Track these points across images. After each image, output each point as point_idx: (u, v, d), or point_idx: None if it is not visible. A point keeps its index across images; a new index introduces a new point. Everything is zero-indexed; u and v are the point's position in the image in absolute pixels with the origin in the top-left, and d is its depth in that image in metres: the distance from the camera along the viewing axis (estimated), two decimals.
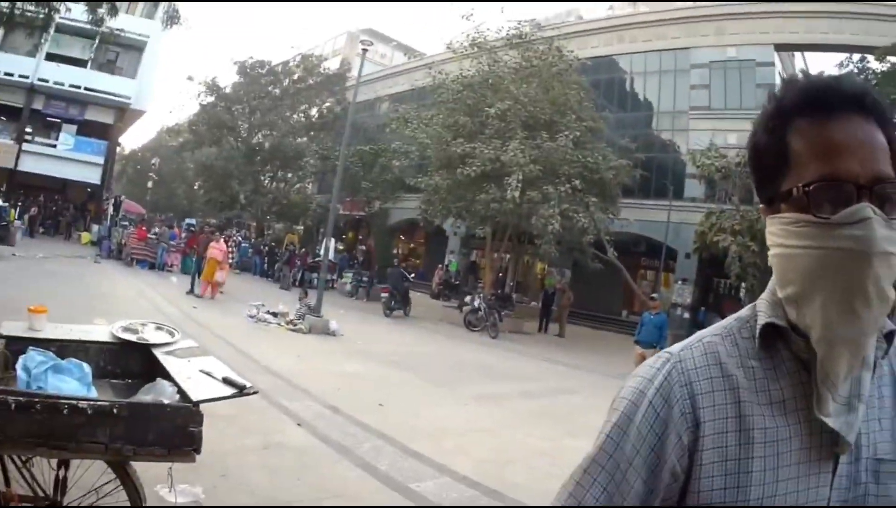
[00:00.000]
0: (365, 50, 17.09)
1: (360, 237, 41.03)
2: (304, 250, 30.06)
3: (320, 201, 34.90)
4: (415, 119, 21.98)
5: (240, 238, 34.03)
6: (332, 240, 18.97)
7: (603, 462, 0.90)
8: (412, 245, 41.48)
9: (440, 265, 32.02)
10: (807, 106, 0.89)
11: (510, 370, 12.62)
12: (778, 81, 27.57)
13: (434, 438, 6.71)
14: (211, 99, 36.70)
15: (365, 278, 26.69)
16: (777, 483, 0.85)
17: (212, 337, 10.49)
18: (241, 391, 2.87)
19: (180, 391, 2.81)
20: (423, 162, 22.99)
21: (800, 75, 0.93)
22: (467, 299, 20.52)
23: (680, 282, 26.66)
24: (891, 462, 0.89)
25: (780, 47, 26.63)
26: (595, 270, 22.13)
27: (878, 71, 16.14)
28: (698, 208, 24.90)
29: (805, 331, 0.88)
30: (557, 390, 11.06)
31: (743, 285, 24.63)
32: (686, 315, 25.66)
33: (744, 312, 0.99)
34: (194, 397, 2.71)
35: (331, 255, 19.75)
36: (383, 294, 20.90)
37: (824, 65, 49.95)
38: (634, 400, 0.91)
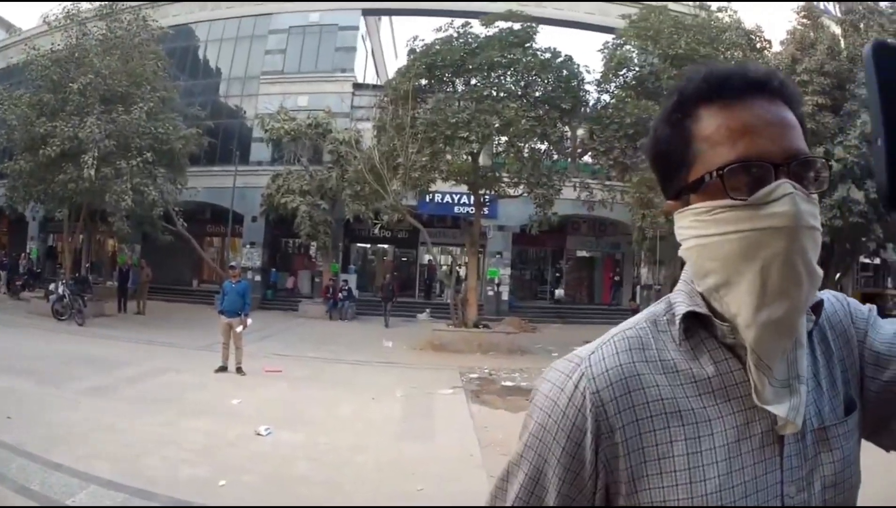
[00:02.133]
0: None
1: None
2: None
3: None
4: (6, 100, 18.84)
5: None
6: None
7: (524, 470, 0.90)
8: None
9: (21, 253, 27.52)
10: (711, 93, 0.87)
11: (107, 357, 11.89)
12: (360, 44, 29.76)
13: (69, 444, 6.38)
14: None
15: None
16: (731, 475, 0.83)
17: None
18: None
19: None
20: (10, 145, 20.01)
21: (701, 67, 0.92)
22: (51, 286, 18.82)
23: (248, 246, 27.18)
24: (837, 424, 0.89)
25: (367, 12, 28.48)
26: (165, 242, 21.83)
27: (482, 36, 17.28)
28: (265, 172, 25.58)
29: (731, 319, 0.85)
30: (156, 370, 10.90)
31: (314, 243, 26.31)
32: (258, 278, 26.21)
33: (656, 306, 0.95)
34: None
35: None
36: None
37: (419, 30, 54.77)
38: (548, 410, 0.89)
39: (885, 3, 19.64)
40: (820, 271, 0.83)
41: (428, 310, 23.94)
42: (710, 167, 0.85)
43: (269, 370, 11.27)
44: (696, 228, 0.87)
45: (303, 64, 27.85)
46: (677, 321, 0.89)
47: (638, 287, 28.31)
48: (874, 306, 1.04)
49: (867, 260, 30.65)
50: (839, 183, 16.57)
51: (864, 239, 19.37)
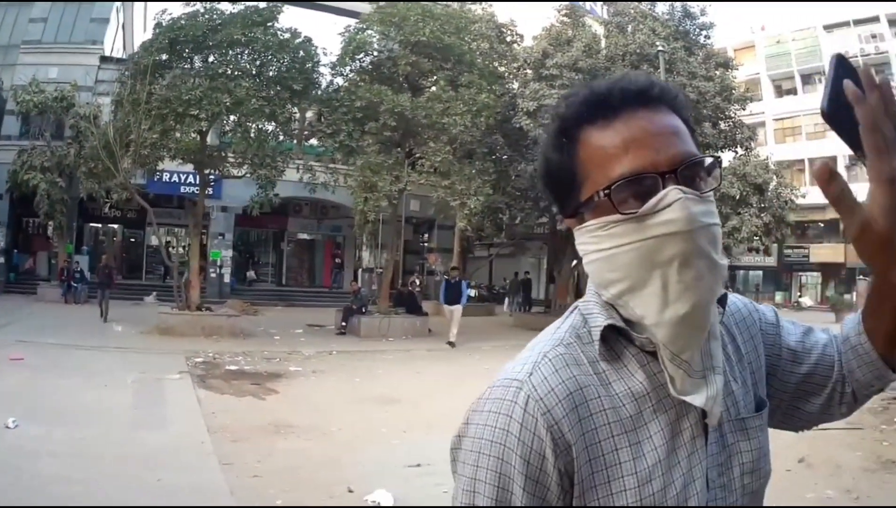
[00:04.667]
0: None
1: None
2: None
3: None
4: None
5: None
6: None
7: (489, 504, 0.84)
8: None
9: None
10: (590, 114, 0.88)
11: None
12: (113, 16, 27.98)
13: None
14: None
15: None
16: (671, 470, 0.85)
17: None
18: None
19: None
20: None
21: (580, 89, 0.92)
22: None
23: None
24: (752, 417, 0.94)
25: None
26: None
27: (227, 12, 16.51)
28: (13, 147, 23.70)
29: (638, 321, 0.87)
30: None
31: (51, 222, 24.41)
32: (2, 260, 24.38)
33: (572, 320, 0.94)
34: None
35: None
36: None
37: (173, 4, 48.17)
38: (501, 440, 0.84)
39: (662, 7, 21.74)
40: (723, 261, 0.85)
41: (154, 293, 23.17)
42: (598, 187, 0.85)
43: (14, 359, 10.73)
44: (593, 243, 0.88)
45: (59, 34, 25.79)
46: (595, 336, 0.89)
47: (360, 270, 29.24)
48: (776, 308, 1.11)
49: None
50: None
51: None
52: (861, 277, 30.61)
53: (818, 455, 6.18)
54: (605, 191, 0.85)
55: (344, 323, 17.61)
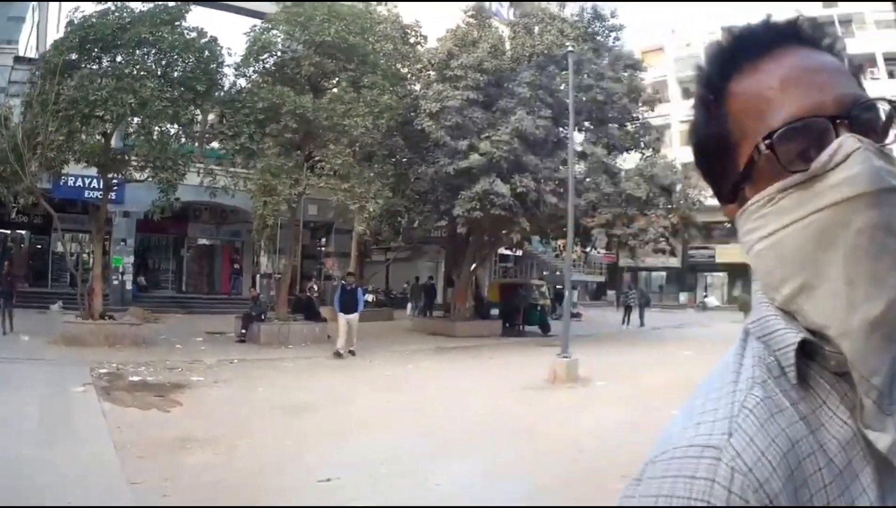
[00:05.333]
0: None
1: None
2: None
3: None
4: None
5: None
6: None
7: None
8: None
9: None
10: (736, 56, 0.72)
11: None
12: (30, 14, 26.10)
13: None
14: None
15: None
16: None
17: None
18: None
19: None
20: None
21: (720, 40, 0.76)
22: None
23: None
24: None
25: None
26: None
27: (136, 11, 15.97)
28: None
29: (821, 332, 0.66)
30: None
31: None
32: None
33: (752, 348, 0.71)
34: None
35: None
36: None
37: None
38: None
39: (573, 9, 21.81)
40: None
41: (60, 301, 22.10)
42: (755, 141, 0.68)
43: None
44: (758, 228, 0.69)
45: None
46: (787, 361, 0.67)
47: (258, 276, 28.78)
48: None
49: (508, 252, 33.15)
50: (482, 176, 17.58)
51: (505, 232, 20.53)
52: None
53: None
54: (767, 141, 0.67)
55: (244, 331, 17.41)
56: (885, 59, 36.70)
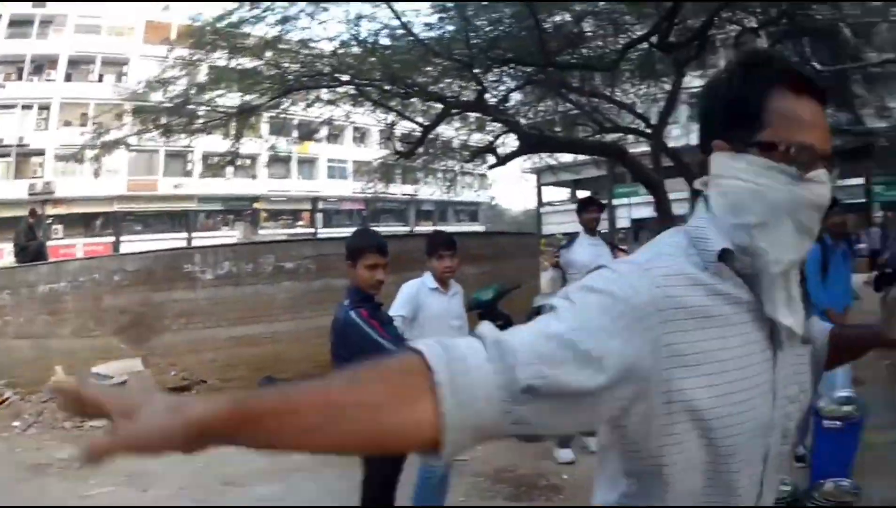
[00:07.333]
0: None
1: None
2: None
3: None
4: None
5: None
6: None
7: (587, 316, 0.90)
8: None
9: None
10: (785, 77, 1.03)
11: None
12: None
13: None
14: None
15: None
16: (743, 370, 0.96)
17: None
18: None
19: None
20: None
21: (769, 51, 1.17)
22: None
23: None
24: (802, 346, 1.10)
25: None
26: None
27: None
28: None
29: (754, 252, 0.99)
30: None
31: None
32: None
33: (675, 238, 1.05)
34: None
35: None
36: None
37: None
38: (625, 298, 0.92)
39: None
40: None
41: None
42: (773, 137, 1.00)
43: None
44: (751, 174, 1.00)
45: None
46: (712, 254, 0.98)
47: None
48: None
49: None
50: None
51: None
52: None
53: None
54: (790, 147, 0.99)
55: None
56: (70, 62, 34.05)
